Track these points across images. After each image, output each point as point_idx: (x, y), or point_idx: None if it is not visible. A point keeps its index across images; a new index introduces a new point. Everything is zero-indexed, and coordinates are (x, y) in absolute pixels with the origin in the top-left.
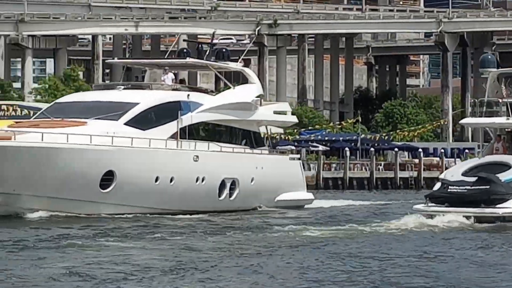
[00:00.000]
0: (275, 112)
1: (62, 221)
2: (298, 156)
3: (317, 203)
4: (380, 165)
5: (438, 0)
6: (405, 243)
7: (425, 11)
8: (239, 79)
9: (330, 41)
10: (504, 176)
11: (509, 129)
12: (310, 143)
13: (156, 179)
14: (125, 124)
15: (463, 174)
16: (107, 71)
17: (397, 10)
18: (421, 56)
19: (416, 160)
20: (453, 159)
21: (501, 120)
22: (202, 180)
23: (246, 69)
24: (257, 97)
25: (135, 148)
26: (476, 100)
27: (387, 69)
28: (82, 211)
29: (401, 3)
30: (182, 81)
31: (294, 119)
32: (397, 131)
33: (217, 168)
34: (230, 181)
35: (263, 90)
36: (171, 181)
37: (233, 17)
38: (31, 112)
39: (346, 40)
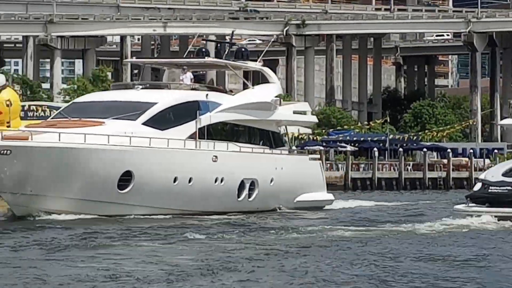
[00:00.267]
0: (295, 112)
1: (84, 222)
2: (318, 156)
3: (337, 204)
4: (409, 166)
5: (467, 0)
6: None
7: (453, 11)
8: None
9: (358, 41)
10: None
11: None
12: (338, 143)
13: (175, 180)
14: (143, 124)
15: (503, 175)
16: (136, 71)
17: (426, 10)
18: (450, 56)
19: (445, 161)
20: (482, 160)
21: None
22: (221, 181)
23: (265, 69)
24: (276, 96)
25: (153, 149)
26: None
27: (416, 69)
28: (99, 212)
29: (429, 3)
30: (211, 82)
31: (314, 119)
32: (426, 131)
33: (236, 169)
34: (249, 181)
35: (292, 90)
36: (189, 181)
37: (261, 18)
38: None
39: (374, 40)
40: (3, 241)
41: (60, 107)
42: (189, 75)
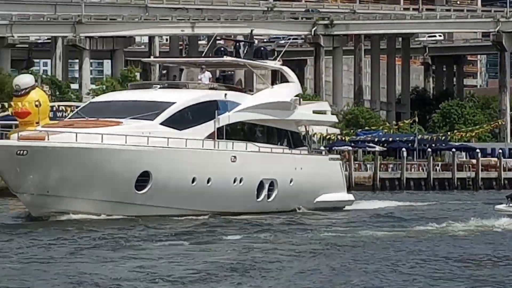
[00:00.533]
0: (314, 112)
1: (110, 223)
2: (338, 156)
3: (357, 205)
4: (438, 166)
5: (496, 0)
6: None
7: (482, 11)
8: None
9: (386, 41)
10: None
11: None
12: (367, 143)
13: (193, 180)
14: (161, 124)
15: None
16: (164, 72)
17: (454, 10)
18: (479, 56)
19: (474, 161)
20: (511, 160)
21: None
22: (240, 181)
23: (285, 68)
24: (296, 96)
25: (171, 149)
26: None
27: (444, 69)
28: (117, 213)
29: (458, 2)
30: (239, 82)
31: (334, 118)
32: (455, 131)
33: (255, 169)
34: (269, 182)
35: (320, 90)
36: (208, 182)
37: (289, 18)
38: None
39: (402, 40)
40: (33, 241)
41: None
42: (207, 74)
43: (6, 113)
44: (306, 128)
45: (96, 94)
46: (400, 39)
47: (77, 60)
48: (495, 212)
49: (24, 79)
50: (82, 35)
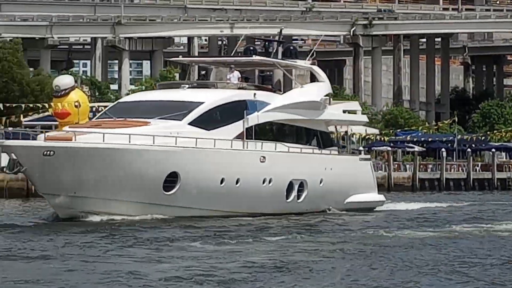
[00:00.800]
0: (345, 111)
1: (146, 223)
2: (369, 156)
3: (388, 206)
4: (477, 166)
5: None
6: None
7: None
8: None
9: (426, 41)
10: None
11: None
12: (406, 144)
13: (222, 181)
14: (189, 124)
15: None
16: (203, 72)
17: (494, 10)
18: None
19: None
20: None
21: None
22: (269, 182)
23: (315, 67)
24: (326, 95)
25: (199, 149)
26: None
27: (484, 69)
28: (145, 214)
29: (498, 2)
30: (278, 83)
31: (364, 118)
32: (494, 131)
33: (285, 169)
34: (298, 182)
35: (359, 90)
36: (237, 182)
37: (328, 18)
38: None
39: (442, 40)
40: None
41: None
42: (236, 74)
43: (46, 114)
44: (346, 128)
45: None
46: (440, 39)
47: (116, 61)
48: None
49: (64, 80)
50: (121, 36)
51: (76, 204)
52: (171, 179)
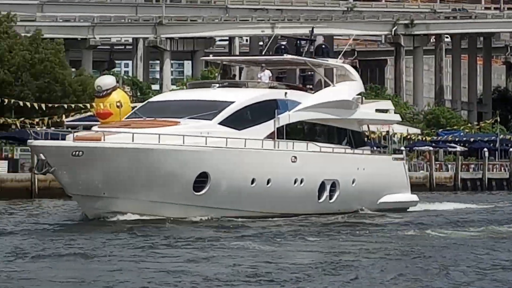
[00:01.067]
0: (377, 111)
1: (178, 224)
2: (402, 156)
3: (422, 206)
4: None
5: None
6: None
7: None
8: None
9: (467, 41)
10: None
11: None
12: (448, 143)
13: (252, 181)
14: (220, 123)
15: None
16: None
17: None
18: None
19: None
20: None
21: None
22: (301, 182)
23: (347, 66)
24: (358, 94)
25: (230, 149)
26: None
27: None
28: (174, 214)
29: None
30: (319, 83)
31: (397, 117)
32: None
33: (316, 169)
34: (330, 182)
35: (400, 90)
36: (267, 183)
37: (369, 18)
38: None
39: (484, 39)
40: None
41: None
42: (267, 73)
43: (88, 114)
44: (388, 129)
45: None
46: (482, 38)
47: (158, 61)
48: None
49: (105, 80)
50: (162, 36)
51: (105, 204)
52: (201, 180)
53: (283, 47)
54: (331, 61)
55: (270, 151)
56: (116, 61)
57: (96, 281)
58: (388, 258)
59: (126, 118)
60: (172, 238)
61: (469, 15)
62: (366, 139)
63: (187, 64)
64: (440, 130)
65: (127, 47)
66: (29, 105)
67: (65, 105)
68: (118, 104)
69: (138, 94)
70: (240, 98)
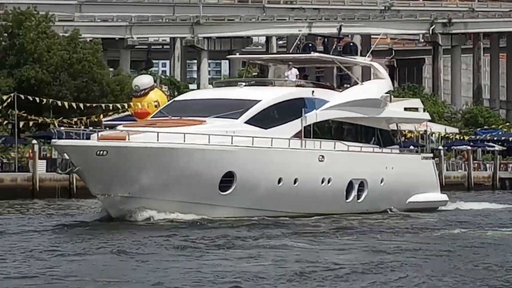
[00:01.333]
0: (406, 109)
1: (208, 223)
2: (431, 155)
3: (452, 205)
4: None
5: None
6: None
7: None
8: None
9: (506, 40)
10: None
11: None
12: (486, 143)
13: (279, 181)
14: (246, 122)
15: None
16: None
17: None
18: None
19: None
20: None
21: None
22: (328, 182)
23: (375, 64)
24: (386, 93)
25: (256, 148)
26: None
27: None
28: (200, 214)
29: None
30: (353, 82)
31: (426, 116)
32: None
33: (344, 169)
34: (358, 182)
35: (438, 89)
36: (295, 182)
37: (407, 17)
38: None
39: None
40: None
41: None
42: (294, 71)
43: (126, 113)
44: (426, 128)
45: None
46: None
47: (195, 61)
48: None
49: (143, 80)
50: (200, 35)
51: (130, 204)
52: (227, 179)
53: (310, 45)
54: (359, 59)
55: (297, 150)
56: (154, 61)
57: (130, 280)
58: (427, 257)
59: (152, 117)
60: (207, 238)
61: (508, 14)
62: (395, 138)
63: (224, 64)
64: (478, 129)
65: (165, 46)
66: (67, 105)
67: (103, 105)
68: (155, 103)
69: (176, 93)
70: (267, 96)
